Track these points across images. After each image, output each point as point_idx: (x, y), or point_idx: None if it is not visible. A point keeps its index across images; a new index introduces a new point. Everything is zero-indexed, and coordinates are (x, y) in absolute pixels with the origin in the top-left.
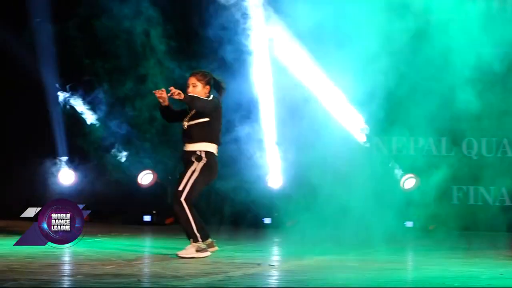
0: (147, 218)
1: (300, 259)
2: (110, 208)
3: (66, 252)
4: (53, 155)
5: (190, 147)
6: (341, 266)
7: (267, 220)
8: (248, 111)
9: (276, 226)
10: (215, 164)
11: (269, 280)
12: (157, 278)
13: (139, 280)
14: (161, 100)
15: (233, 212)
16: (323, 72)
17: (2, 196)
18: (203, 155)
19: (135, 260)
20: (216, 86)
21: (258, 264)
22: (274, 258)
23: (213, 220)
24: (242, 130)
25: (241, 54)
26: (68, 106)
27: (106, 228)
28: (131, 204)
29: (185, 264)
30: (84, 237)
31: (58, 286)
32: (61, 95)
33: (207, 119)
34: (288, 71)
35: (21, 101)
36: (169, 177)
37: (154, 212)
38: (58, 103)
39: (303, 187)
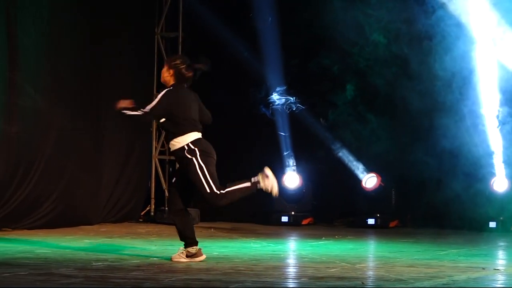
0: (371, 221)
1: None
2: (334, 211)
3: (291, 255)
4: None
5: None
6: None
7: (492, 224)
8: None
9: (501, 229)
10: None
11: (494, 285)
12: (381, 281)
13: (363, 283)
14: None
15: (457, 215)
16: None
17: None
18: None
19: (359, 263)
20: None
21: (483, 268)
22: (499, 262)
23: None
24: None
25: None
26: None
27: (330, 231)
28: (355, 208)
29: (409, 267)
30: (309, 240)
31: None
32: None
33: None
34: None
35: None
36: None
37: (377, 215)
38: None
39: None
